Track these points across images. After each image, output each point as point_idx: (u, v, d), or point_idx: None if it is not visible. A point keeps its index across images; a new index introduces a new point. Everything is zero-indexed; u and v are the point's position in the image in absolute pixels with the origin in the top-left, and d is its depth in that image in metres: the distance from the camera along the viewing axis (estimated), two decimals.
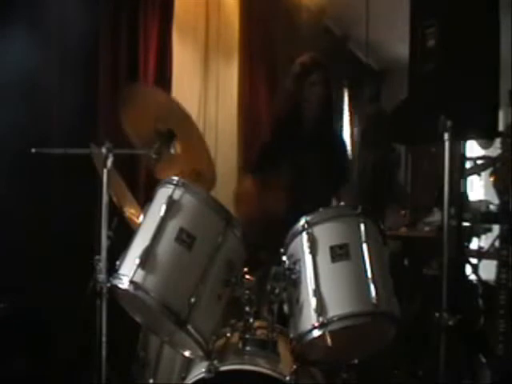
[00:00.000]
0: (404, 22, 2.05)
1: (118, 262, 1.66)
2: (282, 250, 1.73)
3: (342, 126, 5.64)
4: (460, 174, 3.30)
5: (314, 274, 1.61)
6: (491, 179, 3.17)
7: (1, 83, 2.34)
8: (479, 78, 1.91)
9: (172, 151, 2.04)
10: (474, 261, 3.51)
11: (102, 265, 1.79)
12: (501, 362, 2.47)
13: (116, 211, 2.07)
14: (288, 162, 2.49)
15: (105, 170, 1.83)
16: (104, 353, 1.78)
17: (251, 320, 1.74)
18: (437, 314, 1.86)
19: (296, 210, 1.77)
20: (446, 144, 1.91)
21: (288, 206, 2.19)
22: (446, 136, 1.90)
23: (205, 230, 1.65)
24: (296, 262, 1.67)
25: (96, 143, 1.92)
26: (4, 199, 2.31)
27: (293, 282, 1.66)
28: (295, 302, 1.66)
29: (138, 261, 1.57)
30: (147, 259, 1.57)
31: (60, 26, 2.62)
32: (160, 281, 1.57)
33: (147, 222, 1.68)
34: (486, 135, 2.63)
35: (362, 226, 1.66)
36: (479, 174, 3.62)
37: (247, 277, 1.72)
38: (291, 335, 1.66)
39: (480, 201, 4.11)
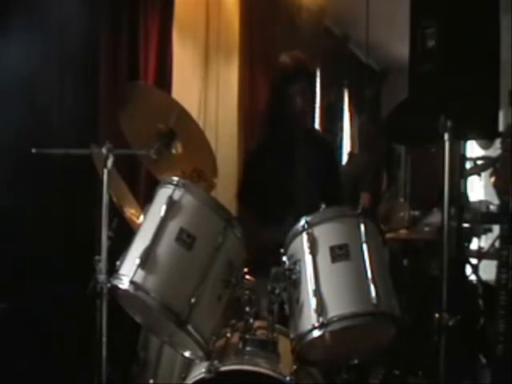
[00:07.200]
0: (404, 22, 2.05)
1: (118, 263, 1.66)
2: (282, 251, 1.73)
3: (341, 129, 5.64)
4: (460, 175, 3.31)
5: (314, 275, 1.61)
6: (491, 179, 3.18)
7: (1, 83, 2.34)
8: (479, 78, 1.91)
9: (173, 151, 2.04)
10: (474, 261, 3.52)
11: (102, 265, 1.78)
12: (501, 362, 2.47)
13: (116, 211, 2.07)
14: (274, 182, 2.42)
15: (105, 170, 1.83)
16: (104, 353, 1.78)
17: (251, 320, 1.74)
18: (437, 315, 1.86)
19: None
20: (446, 144, 1.91)
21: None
22: (446, 136, 1.90)
23: (205, 230, 1.65)
24: (296, 262, 1.67)
25: (96, 143, 1.92)
26: (4, 199, 2.31)
27: (293, 282, 1.66)
28: (295, 302, 1.66)
29: (138, 261, 1.57)
30: (147, 259, 1.57)
31: (60, 27, 2.61)
32: (160, 281, 1.57)
33: (147, 223, 1.68)
34: (486, 135, 2.63)
35: (362, 227, 1.66)
36: (479, 175, 3.63)
37: (247, 277, 1.72)
38: (291, 335, 1.66)
39: (480, 201, 4.12)
